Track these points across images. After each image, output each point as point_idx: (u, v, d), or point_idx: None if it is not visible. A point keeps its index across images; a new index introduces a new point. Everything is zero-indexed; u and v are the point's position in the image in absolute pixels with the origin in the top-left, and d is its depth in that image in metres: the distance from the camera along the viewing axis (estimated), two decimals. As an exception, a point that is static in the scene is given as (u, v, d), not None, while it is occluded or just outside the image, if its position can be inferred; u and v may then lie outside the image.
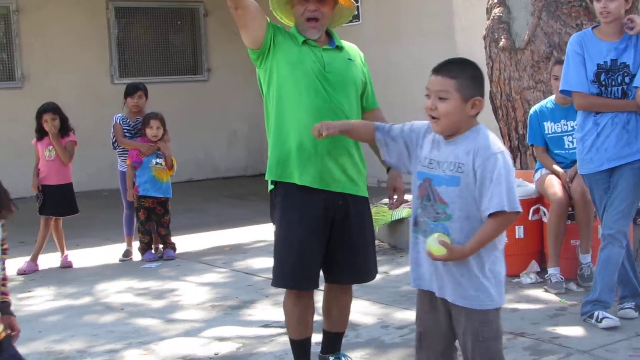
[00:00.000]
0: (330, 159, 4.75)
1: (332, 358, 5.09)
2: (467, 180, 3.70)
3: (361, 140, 4.59)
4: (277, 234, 4.87)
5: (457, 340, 3.92)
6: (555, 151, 7.26)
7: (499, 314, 3.84)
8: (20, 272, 8.68)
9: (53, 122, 8.86)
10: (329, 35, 4.99)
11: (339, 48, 4.96)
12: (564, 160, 7.20)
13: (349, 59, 4.96)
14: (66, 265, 8.99)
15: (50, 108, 8.94)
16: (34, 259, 8.88)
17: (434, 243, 3.71)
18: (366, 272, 5.03)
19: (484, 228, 3.69)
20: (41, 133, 9.01)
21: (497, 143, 3.74)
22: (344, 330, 5.17)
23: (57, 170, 9.01)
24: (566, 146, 7.21)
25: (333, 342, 5.14)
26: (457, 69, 3.77)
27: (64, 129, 8.99)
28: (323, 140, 4.51)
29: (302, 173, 4.73)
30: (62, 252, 9.09)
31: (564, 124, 7.17)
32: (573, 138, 7.04)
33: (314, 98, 4.75)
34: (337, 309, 5.06)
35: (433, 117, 3.77)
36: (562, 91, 6.17)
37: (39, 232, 8.94)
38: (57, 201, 9.03)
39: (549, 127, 7.25)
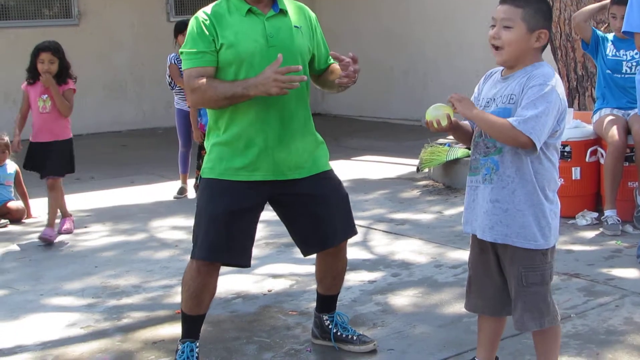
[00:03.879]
0: (283, 150, 4.32)
1: (326, 317, 4.79)
2: (517, 110, 3.65)
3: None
4: (198, 206, 4.41)
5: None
6: (615, 75, 7.30)
7: (546, 258, 3.77)
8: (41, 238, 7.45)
9: (51, 65, 7.46)
10: None
11: (284, 12, 4.38)
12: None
13: (295, 27, 4.38)
14: (65, 232, 7.78)
15: (52, 47, 7.52)
16: (51, 225, 7.59)
17: (433, 110, 3.75)
18: (328, 238, 4.49)
19: (497, 118, 3.64)
20: (35, 75, 7.55)
21: (552, 79, 3.65)
22: (338, 292, 4.84)
23: (53, 124, 7.58)
24: (623, 71, 7.28)
25: (327, 303, 4.82)
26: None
27: (63, 76, 7.57)
28: (273, 130, 4.26)
29: (252, 171, 4.31)
30: (64, 215, 7.96)
31: (622, 54, 7.28)
32: (632, 64, 7.10)
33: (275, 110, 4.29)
34: (330, 277, 4.71)
35: (497, 47, 3.72)
36: (625, 32, 6.05)
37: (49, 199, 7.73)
38: (48, 160, 7.58)
39: (610, 49, 7.31)
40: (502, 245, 3.77)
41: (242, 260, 4.45)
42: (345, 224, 4.57)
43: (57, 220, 7.70)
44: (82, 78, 9.67)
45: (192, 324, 4.52)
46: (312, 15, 4.56)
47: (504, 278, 3.87)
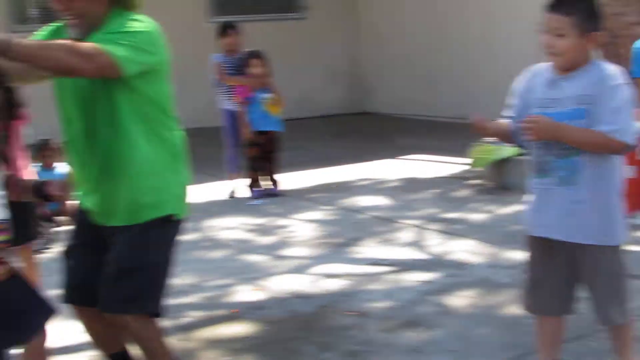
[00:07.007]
0: (92, 195, 3.85)
1: None
2: (594, 111, 3.65)
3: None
4: None
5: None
6: None
7: (623, 250, 3.84)
8: None
9: None
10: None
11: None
12: None
13: None
14: None
15: None
16: None
17: None
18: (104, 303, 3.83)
19: (589, 133, 3.63)
20: None
21: (621, 76, 3.70)
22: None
23: None
24: None
25: None
26: (571, 5, 3.69)
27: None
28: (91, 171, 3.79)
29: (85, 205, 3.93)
30: None
31: None
32: None
33: (66, 129, 3.87)
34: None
35: (552, 54, 3.73)
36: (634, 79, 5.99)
37: None
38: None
39: None
40: (581, 244, 3.77)
41: (83, 299, 3.93)
42: (111, 296, 3.80)
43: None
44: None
45: None
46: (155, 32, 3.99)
47: (572, 277, 3.88)
